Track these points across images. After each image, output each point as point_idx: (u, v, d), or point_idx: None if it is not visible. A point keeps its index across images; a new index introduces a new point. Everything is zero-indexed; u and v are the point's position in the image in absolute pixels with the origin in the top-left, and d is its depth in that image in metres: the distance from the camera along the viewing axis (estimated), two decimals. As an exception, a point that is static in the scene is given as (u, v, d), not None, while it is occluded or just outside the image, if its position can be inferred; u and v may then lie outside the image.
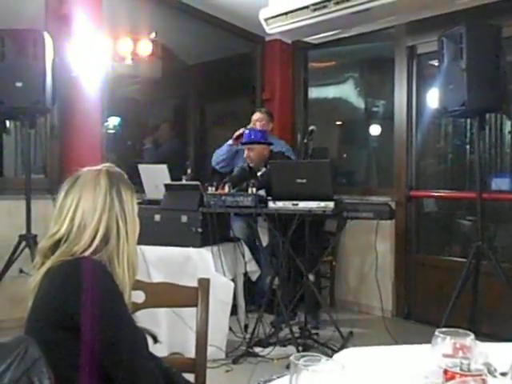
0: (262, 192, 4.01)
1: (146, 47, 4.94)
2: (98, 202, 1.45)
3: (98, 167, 1.52)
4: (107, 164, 1.55)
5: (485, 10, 3.83)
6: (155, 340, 1.57)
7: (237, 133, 4.87)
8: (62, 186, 1.49)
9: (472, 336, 1.00)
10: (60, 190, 1.48)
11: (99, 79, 4.40)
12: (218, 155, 5.06)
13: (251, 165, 4.55)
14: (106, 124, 5.25)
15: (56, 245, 1.44)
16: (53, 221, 1.46)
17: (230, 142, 4.94)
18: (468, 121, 4.65)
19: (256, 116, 5.06)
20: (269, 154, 4.55)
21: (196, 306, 1.78)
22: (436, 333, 1.01)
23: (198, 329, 1.78)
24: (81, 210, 1.44)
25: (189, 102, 7.54)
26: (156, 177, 4.12)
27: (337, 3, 3.84)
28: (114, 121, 5.92)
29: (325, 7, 3.92)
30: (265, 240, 4.60)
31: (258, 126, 4.97)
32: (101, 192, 1.46)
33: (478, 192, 3.83)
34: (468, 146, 4.90)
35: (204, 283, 1.80)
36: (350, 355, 1.42)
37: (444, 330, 1.02)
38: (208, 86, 7.27)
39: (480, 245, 3.71)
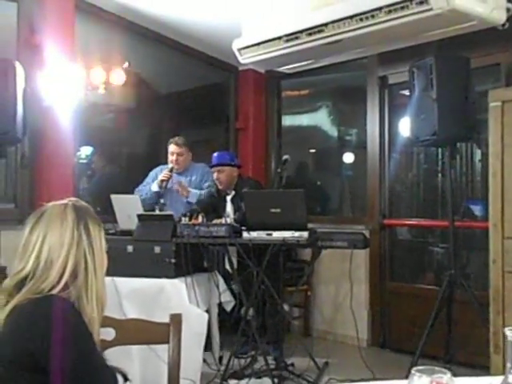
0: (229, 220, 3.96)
1: (118, 76, 4.91)
2: (65, 237, 1.41)
3: (64, 201, 1.48)
4: (73, 198, 1.52)
5: (454, 41, 3.90)
6: (125, 379, 1.52)
7: (162, 178, 4.63)
8: (26, 222, 1.44)
9: (449, 374, 0.98)
10: (25, 225, 1.44)
11: (71, 109, 4.36)
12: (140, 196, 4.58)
13: (220, 187, 4.53)
14: (78, 154, 5.19)
15: (22, 283, 1.39)
16: (17, 258, 1.42)
17: (157, 188, 4.66)
18: (439, 149, 4.71)
19: (174, 149, 4.74)
20: (237, 177, 4.56)
21: (168, 342, 1.73)
22: (412, 371, 0.99)
23: (169, 366, 1.73)
24: (47, 246, 1.40)
25: (162, 130, 7.50)
26: (129, 207, 4.06)
27: (309, 34, 3.88)
28: (86, 150, 5.85)
29: (297, 38, 3.95)
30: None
31: (181, 160, 4.73)
32: (68, 227, 1.42)
33: (450, 220, 3.86)
34: (440, 175, 4.96)
35: (176, 319, 1.76)
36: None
37: (421, 368, 1.00)
38: (182, 115, 7.25)
39: (453, 273, 3.72)
